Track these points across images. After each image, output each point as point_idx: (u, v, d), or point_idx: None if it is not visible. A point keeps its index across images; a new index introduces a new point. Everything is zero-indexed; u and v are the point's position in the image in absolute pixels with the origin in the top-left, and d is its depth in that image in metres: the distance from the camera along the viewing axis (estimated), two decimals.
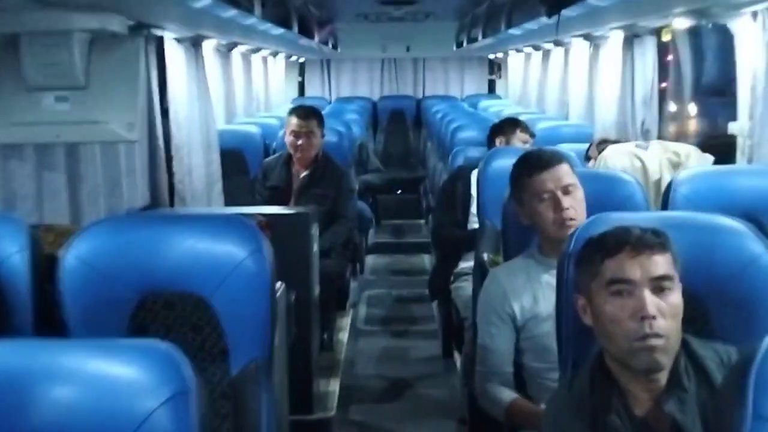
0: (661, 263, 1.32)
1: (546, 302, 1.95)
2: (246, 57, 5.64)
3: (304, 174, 3.82)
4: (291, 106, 7.89)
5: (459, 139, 4.36)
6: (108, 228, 1.57)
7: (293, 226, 3.07)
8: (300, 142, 3.72)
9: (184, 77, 3.84)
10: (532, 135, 3.68)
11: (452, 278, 3.35)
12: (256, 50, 5.59)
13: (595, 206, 1.99)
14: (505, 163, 2.85)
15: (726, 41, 4.03)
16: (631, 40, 3.60)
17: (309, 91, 8.87)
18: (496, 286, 2.02)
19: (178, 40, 3.65)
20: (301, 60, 8.55)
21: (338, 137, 4.40)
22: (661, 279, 1.31)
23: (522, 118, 5.28)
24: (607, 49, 3.94)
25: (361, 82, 8.88)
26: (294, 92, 8.79)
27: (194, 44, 3.90)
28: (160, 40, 3.60)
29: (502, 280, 2.02)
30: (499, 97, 8.52)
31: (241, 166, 4.34)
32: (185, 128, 3.87)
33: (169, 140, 3.76)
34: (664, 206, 2.19)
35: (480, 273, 2.81)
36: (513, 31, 4.42)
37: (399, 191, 7.76)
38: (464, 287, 3.18)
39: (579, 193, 1.97)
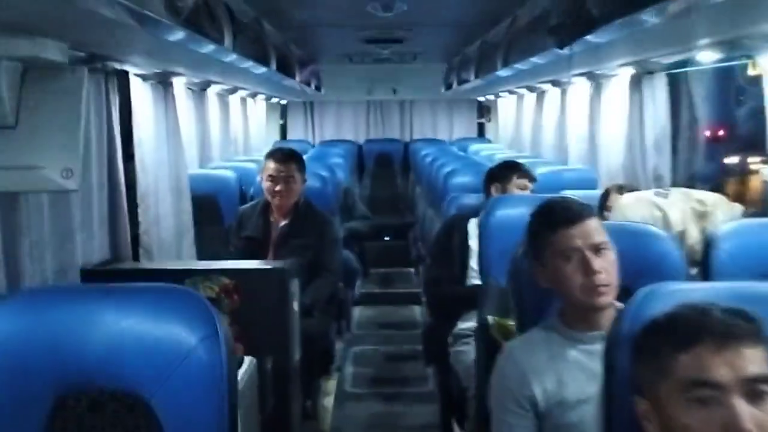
0: (755, 359, 1.01)
1: (575, 385, 1.61)
2: (222, 97, 5.35)
3: (283, 223, 3.49)
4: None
5: (452, 185, 4.06)
6: (17, 305, 1.22)
7: (270, 283, 2.73)
8: (278, 188, 3.39)
9: (152, 117, 3.52)
10: (533, 179, 3.37)
11: (451, 339, 3.00)
12: (233, 90, 5.30)
13: (625, 267, 1.68)
14: (508, 212, 2.55)
15: (725, 77, 3.80)
16: (639, 78, 3.33)
17: (291, 134, 8.60)
18: (512, 366, 1.67)
19: (144, 77, 3.33)
20: (283, 102, 8.29)
21: (321, 182, 4.08)
22: (757, 381, 1.01)
23: (543, 168, 5.02)
24: (611, 89, 3.68)
25: (346, 124, 8.62)
26: (276, 135, 8.51)
27: (163, 82, 3.60)
28: (123, 76, 3.30)
29: (519, 358, 1.68)
30: (489, 141, 8.28)
31: (215, 214, 4.00)
32: (152, 173, 3.53)
33: (134, 187, 3.42)
34: (705, 266, 1.88)
35: (483, 338, 2.47)
36: (506, 71, 4.16)
37: (387, 238, 7.45)
38: (465, 352, 2.83)
39: (611, 254, 1.65)
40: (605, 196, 3.29)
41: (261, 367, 2.61)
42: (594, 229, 1.65)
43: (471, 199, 3.45)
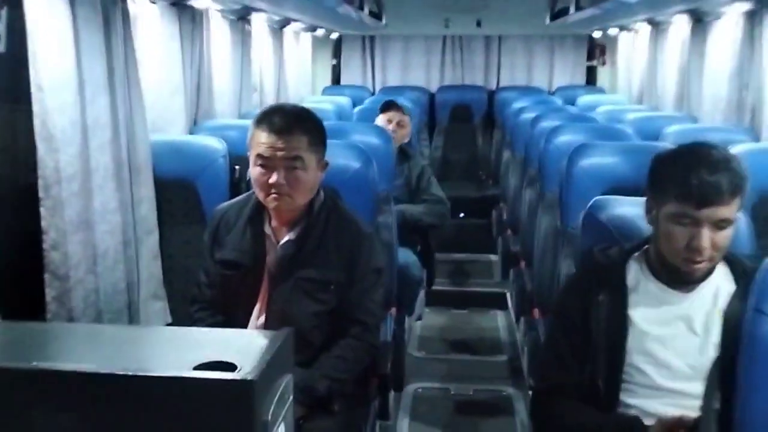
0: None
1: None
2: (237, 24, 3.88)
3: (286, 238, 2.05)
4: (320, 98, 6.19)
5: (578, 173, 2.49)
6: None
7: (225, 405, 1.32)
8: (275, 179, 1.94)
9: (69, 47, 2.13)
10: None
11: None
12: (246, 12, 3.80)
13: None
14: None
15: None
16: None
17: (346, 78, 7.09)
18: None
19: None
20: (335, 36, 6.76)
21: (363, 161, 2.59)
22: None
23: (672, 128, 3.41)
24: None
25: (415, 66, 7.04)
26: (326, 79, 7.03)
27: None
28: None
29: None
30: (602, 91, 6.56)
31: (193, 208, 2.60)
32: (75, 143, 2.17)
33: (33, 166, 2.06)
34: None
35: None
36: None
37: (461, 215, 5.96)
38: None
39: None
40: None
41: None
42: None
43: (627, 208, 1.92)
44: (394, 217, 3.08)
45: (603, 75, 6.89)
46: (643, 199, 1.92)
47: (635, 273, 1.69)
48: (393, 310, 3.02)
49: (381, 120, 3.92)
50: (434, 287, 4.81)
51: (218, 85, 3.65)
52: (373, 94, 6.74)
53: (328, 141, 2.22)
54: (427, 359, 4.10)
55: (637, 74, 5.47)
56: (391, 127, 3.83)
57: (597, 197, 1.93)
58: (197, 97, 3.38)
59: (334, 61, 7.12)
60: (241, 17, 3.82)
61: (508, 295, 4.97)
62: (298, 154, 1.95)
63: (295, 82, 5.66)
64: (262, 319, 2.05)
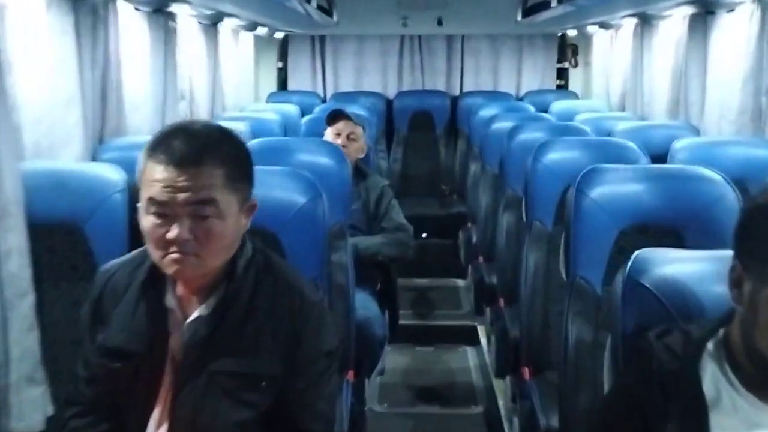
0: None
1: None
2: (155, 20, 3.26)
3: (197, 314, 1.46)
4: (264, 106, 5.59)
5: (595, 205, 1.93)
6: None
7: None
8: (175, 232, 1.35)
9: None
10: None
11: None
12: (167, 4, 3.17)
13: None
14: None
15: None
16: None
17: (294, 83, 6.48)
18: None
19: None
20: (280, 35, 6.17)
21: (311, 194, 2.01)
22: None
23: (682, 143, 2.92)
24: None
25: (371, 70, 6.46)
26: (272, 84, 6.41)
27: None
28: None
29: None
30: (575, 96, 6.10)
31: (82, 259, 1.98)
32: None
33: None
34: None
35: None
36: None
37: (424, 235, 5.45)
38: None
39: None
40: None
41: None
42: None
43: (676, 266, 1.38)
44: (349, 255, 2.53)
45: (575, 78, 6.43)
46: (698, 253, 1.39)
47: (713, 377, 1.15)
48: (350, 374, 2.46)
49: (329, 134, 3.35)
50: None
51: (132, 93, 3.03)
52: (324, 101, 6.16)
53: (267, 167, 1.66)
54: (391, 414, 3.54)
55: (617, 77, 5.00)
56: (340, 141, 3.26)
57: (640, 251, 1.38)
58: (102, 108, 2.75)
59: (280, 64, 6.50)
60: (158, 9, 3.19)
61: (481, 331, 4.46)
62: (210, 195, 1.35)
63: (235, 89, 5.05)
64: (164, 429, 1.45)
